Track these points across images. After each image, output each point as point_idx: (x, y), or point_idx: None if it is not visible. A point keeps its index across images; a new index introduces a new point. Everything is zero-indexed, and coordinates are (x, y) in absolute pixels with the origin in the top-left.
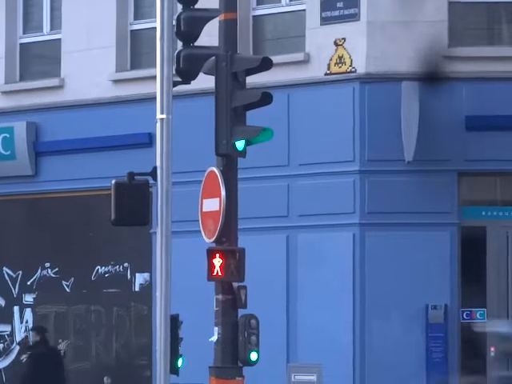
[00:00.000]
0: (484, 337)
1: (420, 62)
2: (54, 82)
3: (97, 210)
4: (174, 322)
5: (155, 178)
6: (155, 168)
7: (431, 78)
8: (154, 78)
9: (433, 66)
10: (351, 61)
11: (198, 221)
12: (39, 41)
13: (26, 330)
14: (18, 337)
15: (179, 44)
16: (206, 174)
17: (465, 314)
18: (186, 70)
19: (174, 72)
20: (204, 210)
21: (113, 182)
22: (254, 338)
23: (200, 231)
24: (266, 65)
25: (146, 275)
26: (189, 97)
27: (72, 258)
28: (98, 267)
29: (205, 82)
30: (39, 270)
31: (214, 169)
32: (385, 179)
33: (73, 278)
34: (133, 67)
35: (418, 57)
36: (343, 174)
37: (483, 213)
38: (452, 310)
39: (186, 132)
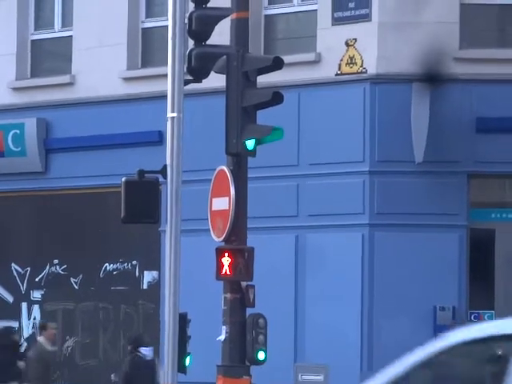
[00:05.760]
0: None
1: (428, 63)
2: (64, 78)
3: (106, 208)
4: (183, 320)
5: (165, 176)
6: (165, 166)
7: (439, 80)
8: (165, 76)
9: (441, 67)
10: (362, 61)
11: (208, 219)
12: (50, 37)
13: (33, 327)
14: (26, 333)
15: (191, 42)
16: (215, 173)
17: (473, 316)
18: (198, 68)
19: (185, 70)
20: (213, 208)
21: (123, 179)
22: (261, 337)
23: (209, 230)
24: (277, 64)
25: (155, 273)
26: (200, 95)
27: (81, 255)
28: (107, 264)
29: (216, 80)
30: (48, 267)
31: (224, 168)
32: (394, 180)
33: (81, 275)
34: (144, 65)
35: (427, 58)
36: (353, 174)
37: (492, 215)
38: (460, 312)
39: (196, 131)
